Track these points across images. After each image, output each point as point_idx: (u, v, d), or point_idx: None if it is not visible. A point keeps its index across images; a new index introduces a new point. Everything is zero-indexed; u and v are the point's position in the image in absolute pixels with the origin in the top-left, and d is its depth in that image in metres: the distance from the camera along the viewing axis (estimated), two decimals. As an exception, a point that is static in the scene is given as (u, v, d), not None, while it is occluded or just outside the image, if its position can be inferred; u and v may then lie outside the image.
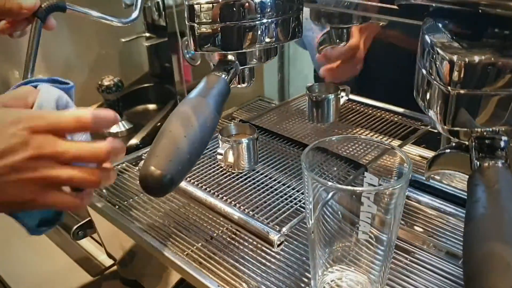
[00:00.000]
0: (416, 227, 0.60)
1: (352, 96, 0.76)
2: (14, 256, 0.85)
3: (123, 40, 0.97)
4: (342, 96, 0.73)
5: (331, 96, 0.70)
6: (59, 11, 0.59)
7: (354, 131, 0.71)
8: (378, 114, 0.75)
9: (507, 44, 0.34)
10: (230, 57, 0.52)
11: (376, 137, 0.69)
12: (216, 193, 0.59)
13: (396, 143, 0.67)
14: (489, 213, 0.29)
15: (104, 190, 0.70)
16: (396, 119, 0.73)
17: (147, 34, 0.98)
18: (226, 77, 0.49)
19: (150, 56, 1.06)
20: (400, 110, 0.73)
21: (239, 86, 0.56)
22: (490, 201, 0.30)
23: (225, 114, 0.89)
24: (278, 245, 0.50)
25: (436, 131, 0.60)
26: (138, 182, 0.41)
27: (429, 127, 0.68)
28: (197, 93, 0.46)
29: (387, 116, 0.74)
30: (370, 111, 0.75)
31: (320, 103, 0.70)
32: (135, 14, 0.65)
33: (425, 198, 0.61)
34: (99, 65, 1.10)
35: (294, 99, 0.82)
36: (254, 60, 0.53)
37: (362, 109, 0.76)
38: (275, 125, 0.74)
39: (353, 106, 0.77)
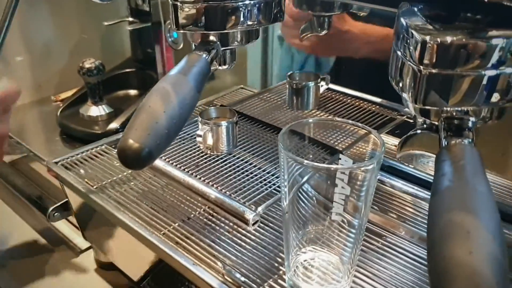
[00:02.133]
0: (389, 212, 0.61)
1: (331, 85, 0.78)
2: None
3: (105, 23, 0.97)
4: (322, 85, 0.74)
5: (311, 84, 0.71)
6: None
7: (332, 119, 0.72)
8: (357, 103, 0.76)
9: (479, 27, 0.36)
10: (212, 37, 0.52)
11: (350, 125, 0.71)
12: (194, 174, 0.59)
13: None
14: (453, 186, 0.31)
15: (82, 171, 0.70)
16: (373, 108, 0.74)
17: (130, 19, 0.97)
18: (207, 57, 0.50)
19: (133, 41, 1.06)
20: (378, 100, 0.75)
21: (220, 68, 0.57)
22: (455, 175, 0.32)
23: (206, 101, 0.89)
24: (253, 224, 0.51)
25: (412, 121, 0.62)
26: (117, 155, 0.42)
27: (405, 117, 0.70)
28: (177, 71, 0.47)
29: (365, 106, 0.75)
30: (349, 100, 0.77)
31: (300, 90, 0.71)
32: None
33: (399, 184, 0.62)
34: (80, 48, 1.10)
35: (275, 86, 0.83)
36: (236, 42, 0.54)
37: (341, 98, 0.78)
38: (255, 111, 0.75)
39: (332, 95, 0.78)
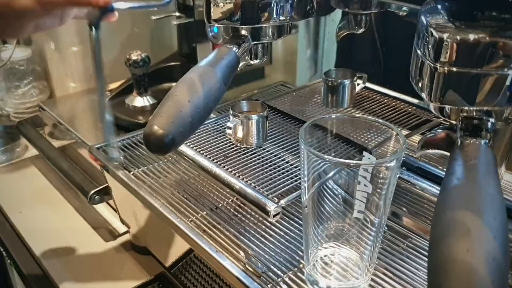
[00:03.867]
0: (417, 214, 0.60)
1: (369, 85, 0.77)
2: (35, 216, 0.90)
3: (153, 17, 1.00)
4: (358, 84, 0.74)
5: (347, 82, 0.71)
6: (108, 14, 0.62)
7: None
8: (393, 103, 0.75)
9: (502, 26, 0.35)
10: (243, 32, 0.54)
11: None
12: (222, 164, 0.61)
13: (405, 132, 0.67)
14: (460, 184, 0.30)
15: (121, 157, 0.73)
16: (410, 109, 0.73)
17: (177, 14, 1.01)
18: (236, 50, 0.51)
19: (180, 35, 1.09)
20: (415, 101, 0.73)
21: (252, 62, 0.58)
22: (464, 174, 0.31)
23: (245, 96, 0.91)
24: (274, 216, 0.52)
25: (447, 123, 0.61)
26: (142, 139, 0.44)
27: (441, 119, 0.68)
28: (206, 62, 0.48)
29: (401, 106, 0.74)
30: (385, 100, 0.76)
31: (335, 88, 0.72)
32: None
33: (429, 186, 0.61)
34: (131, 42, 1.14)
35: (312, 84, 0.83)
36: (267, 36, 0.55)
37: (377, 97, 0.77)
38: (289, 106, 0.76)
39: (369, 94, 0.78)
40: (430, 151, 0.45)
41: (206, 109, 0.46)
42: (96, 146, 0.75)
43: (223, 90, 0.48)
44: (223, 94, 0.48)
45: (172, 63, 1.09)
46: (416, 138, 0.70)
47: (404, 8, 0.67)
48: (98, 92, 0.65)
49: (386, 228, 0.59)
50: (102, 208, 0.92)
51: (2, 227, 0.89)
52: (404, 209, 0.61)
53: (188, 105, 0.44)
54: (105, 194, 0.81)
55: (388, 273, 0.53)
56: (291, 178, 0.59)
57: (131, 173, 0.70)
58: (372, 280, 0.51)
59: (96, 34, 0.62)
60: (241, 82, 1.04)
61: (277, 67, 1.20)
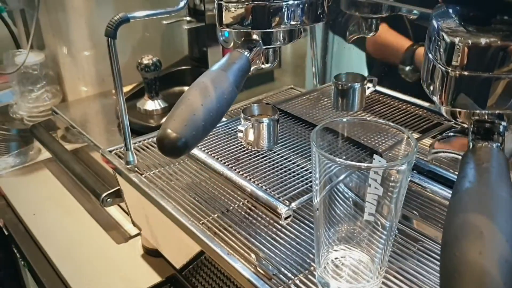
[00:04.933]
0: (428, 218, 0.60)
1: (379, 88, 0.77)
2: (48, 218, 0.91)
3: (164, 22, 1.01)
4: (368, 87, 0.74)
5: (357, 85, 0.71)
6: (124, 24, 0.63)
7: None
8: (404, 107, 0.75)
9: (513, 30, 0.35)
10: (254, 36, 0.54)
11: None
12: (233, 167, 0.61)
13: (416, 135, 0.67)
14: (472, 187, 0.31)
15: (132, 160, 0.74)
16: (421, 112, 0.73)
17: (188, 18, 1.01)
18: (248, 55, 0.52)
19: (190, 40, 1.10)
20: (426, 104, 0.73)
21: (262, 66, 0.58)
22: (476, 177, 0.31)
23: (255, 100, 0.91)
24: (286, 218, 0.52)
25: (459, 126, 0.61)
26: (156, 143, 0.44)
27: (452, 122, 0.68)
28: (218, 67, 0.49)
29: (412, 109, 0.74)
30: (396, 104, 0.76)
31: (345, 91, 0.72)
32: (182, 3, 0.68)
33: (440, 189, 0.61)
34: (142, 46, 1.16)
35: (322, 87, 0.84)
36: (278, 41, 0.56)
37: (388, 101, 0.77)
38: (299, 110, 0.76)
39: (380, 98, 0.78)
40: (442, 154, 0.45)
41: (218, 112, 0.46)
42: (109, 149, 0.76)
43: (235, 94, 0.49)
44: (235, 98, 0.49)
45: (183, 67, 1.10)
46: (427, 141, 0.70)
47: (415, 11, 0.67)
48: (116, 98, 0.66)
49: (397, 231, 0.59)
50: (114, 211, 0.92)
51: (16, 229, 0.91)
52: (415, 212, 0.61)
53: (201, 108, 0.45)
54: (117, 196, 0.81)
55: (399, 276, 0.53)
56: (302, 181, 0.59)
57: (143, 175, 0.70)
58: (383, 283, 0.52)
59: (113, 44, 0.63)
60: (251, 85, 1.04)
61: (286, 70, 1.20)
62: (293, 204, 0.54)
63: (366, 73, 0.83)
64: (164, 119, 0.94)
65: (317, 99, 0.81)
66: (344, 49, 1.02)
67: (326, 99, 0.81)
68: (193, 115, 0.44)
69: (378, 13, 0.65)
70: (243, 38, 0.54)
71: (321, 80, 0.96)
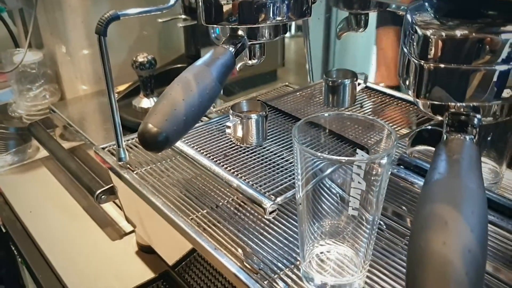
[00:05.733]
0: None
1: (370, 84, 0.77)
2: (44, 215, 0.92)
3: (160, 20, 1.02)
4: (359, 83, 0.74)
5: (347, 82, 0.71)
6: (114, 21, 0.63)
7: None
8: (395, 102, 0.75)
9: (488, 22, 0.35)
10: (240, 32, 0.54)
11: (387, 123, 0.70)
12: (222, 163, 0.62)
13: (405, 131, 0.67)
14: (442, 179, 0.31)
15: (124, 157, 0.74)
16: (411, 108, 0.73)
17: (183, 16, 1.02)
18: (232, 50, 0.52)
19: (186, 38, 1.11)
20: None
21: (249, 62, 0.59)
22: (446, 168, 0.31)
23: (250, 97, 0.91)
24: (270, 213, 0.53)
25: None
26: (137, 138, 0.45)
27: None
28: (202, 62, 0.49)
29: (404, 105, 0.74)
30: (387, 100, 0.76)
31: (335, 88, 0.72)
32: (173, 0, 0.69)
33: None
34: (138, 44, 1.16)
35: (314, 84, 0.84)
36: (263, 36, 0.56)
37: (379, 97, 0.77)
38: (290, 106, 0.76)
39: (371, 94, 0.78)
40: (419, 147, 0.45)
41: (200, 108, 0.46)
42: (102, 146, 0.76)
43: (218, 89, 0.49)
44: (218, 93, 0.49)
45: (179, 65, 1.10)
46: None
47: (403, 7, 0.67)
48: (108, 96, 0.67)
49: (384, 226, 0.59)
50: (109, 208, 0.93)
51: (13, 227, 0.92)
52: (403, 207, 0.61)
53: (183, 103, 0.45)
54: (111, 193, 0.82)
55: (385, 271, 0.53)
56: (289, 176, 0.59)
57: (135, 172, 0.71)
58: (370, 278, 0.52)
59: (103, 41, 0.64)
60: (254, 84, 1.05)
61: (289, 69, 1.21)
62: (279, 199, 0.54)
63: (369, 71, 0.83)
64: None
65: (309, 96, 0.81)
66: (346, 47, 1.02)
67: (318, 96, 0.82)
68: (174, 109, 0.45)
69: (366, 9, 0.65)
70: (228, 34, 0.55)
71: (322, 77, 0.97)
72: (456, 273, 0.26)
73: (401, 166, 0.58)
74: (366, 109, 0.75)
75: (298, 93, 0.84)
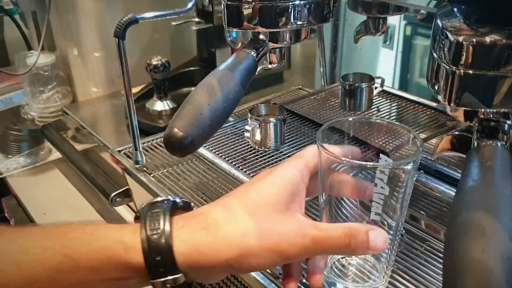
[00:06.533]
0: (435, 217, 0.60)
1: (387, 88, 0.77)
2: (58, 218, 0.92)
3: (173, 23, 1.02)
4: (376, 87, 0.74)
5: (364, 86, 0.71)
6: (133, 25, 0.64)
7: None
8: (411, 106, 0.75)
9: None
10: (261, 36, 0.54)
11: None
12: (240, 167, 0.62)
13: (423, 136, 0.67)
14: (476, 186, 0.31)
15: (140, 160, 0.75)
16: (428, 113, 0.73)
17: (197, 19, 1.02)
18: (254, 54, 0.52)
19: (199, 41, 1.11)
20: (434, 104, 0.73)
21: (269, 66, 0.59)
22: (480, 175, 0.31)
23: (264, 100, 0.92)
24: (292, 217, 0.52)
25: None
26: (163, 142, 0.45)
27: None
28: (225, 66, 0.49)
29: (420, 109, 0.74)
30: (404, 104, 0.76)
31: (352, 91, 0.72)
32: (190, 4, 0.69)
33: (447, 189, 0.61)
34: (151, 47, 1.16)
35: (330, 88, 0.84)
36: (285, 41, 0.56)
37: (395, 101, 0.77)
38: (306, 110, 0.76)
39: (387, 98, 0.78)
40: (447, 153, 0.45)
41: (224, 112, 0.47)
42: (118, 149, 0.76)
43: (242, 93, 0.49)
44: (241, 97, 0.49)
45: (192, 68, 1.10)
46: (434, 141, 0.70)
47: (422, 11, 0.67)
48: (125, 98, 0.67)
49: (404, 231, 0.59)
50: (123, 211, 0.93)
51: (27, 228, 0.92)
52: (422, 212, 0.61)
53: (207, 108, 0.45)
54: (125, 196, 0.82)
55: (406, 276, 0.53)
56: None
57: (151, 175, 0.71)
58: (390, 283, 0.52)
59: (121, 44, 0.64)
60: (260, 86, 1.05)
61: (295, 71, 1.21)
62: (299, 203, 0.54)
63: (375, 74, 0.83)
64: (172, 120, 0.95)
65: (324, 100, 0.81)
66: (354, 50, 1.02)
67: (333, 99, 0.82)
68: (199, 114, 0.45)
69: (385, 13, 0.65)
70: (250, 38, 0.55)
71: (330, 80, 0.97)
72: (496, 281, 0.26)
73: (421, 171, 0.58)
74: (383, 113, 0.75)
75: (312, 97, 0.85)
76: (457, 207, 0.30)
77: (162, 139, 0.44)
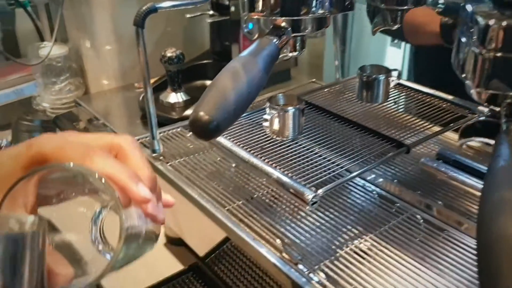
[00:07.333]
0: (453, 207, 0.60)
1: (402, 81, 0.77)
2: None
3: (188, 15, 1.02)
4: (392, 79, 0.74)
5: (381, 77, 0.72)
6: (152, 14, 0.64)
7: (400, 113, 0.73)
8: (427, 99, 0.75)
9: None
10: (283, 24, 0.55)
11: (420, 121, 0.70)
12: (259, 155, 0.62)
13: (437, 128, 0.68)
14: (507, 165, 0.31)
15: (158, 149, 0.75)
16: (445, 105, 0.73)
17: (211, 12, 1.02)
18: (277, 42, 0.52)
19: (212, 34, 1.11)
20: (450, 97, 0.74)
21: (290, 54, 0.59)
22: (510, 155, 0.32)
23: (277, 93, 0.92)
24: (312, 204, 0.53)
25: (483, 117, 0.61)
26: (188, 125, 0.45)
27: (476, 116, 0.68)
28: (248, 53, 0.50)
29: (436, 102, 0.74)
30: (420, 96, 0.76)
31: (370, 83, 0.72)
32: (206, -6, 0.69)
33: (466, 179, 0.61)
34: (164, 40, 1.17)
35: (345, 80, 0.84)
36: (306, 29, 0.56)
37: (411, 93, 0.77)
38: (323, 101, 0.77)
39: (403, 90, 0.78)
40: (473, 139, 0.45)
41: (249, 97, 0.47)
42: (136, 138, 0.77)
43: (265, 79, 0.49)
44: (264, 83, 0.49)
45: (205, 61, 1.11)
46: (450, 134, 0.70)
47: (440, 4, 0.67)
48: (144, 88, 0.68)
49: (421, 220, 0.59)
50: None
51: (40, 217, 0.92)
52: (440, 202, 0.61)
53: (232, 93, 0.45)
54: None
55: (426, 264, 0.53)
56: (325, 171, 0.59)
57: (169, 164, 0.71)
58: (411, 271, 0.52)
59: (141, 33, 0.65)
60: (268, 83, 1.05)
61: (302, 69, 1.21)
62: (320, 191, 0.54)
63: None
64: (188, 110, 0.96)
65: (339, 92, 0.82)
66: (362, 44, 1.02)
67: (348, 92, 0.82)
68: (224, 99, 0.45)
69: (404, 5, 0.65)
70: (272, 26, 0.55)
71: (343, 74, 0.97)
72: (532, 257, 0.26)
73: (440, 161, 0.58)
74: (399, 106, 0.75)
75: (326, 89, 0.85)
76: (489, 187, 0.31)
77: (188, 122, 0.45)
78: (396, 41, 1.23)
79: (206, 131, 0.44)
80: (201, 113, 0.44)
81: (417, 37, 0.77)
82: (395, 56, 1.22)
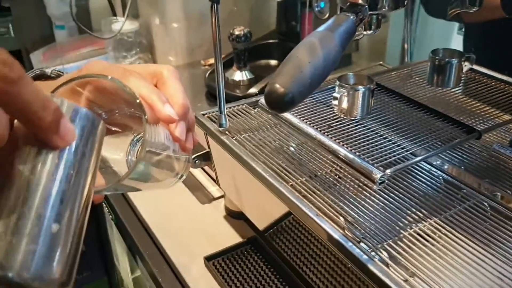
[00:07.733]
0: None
1: (476, 67, 0.75)
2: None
3: (256, -6, 1.03)
4: (465, 65, 0.72)
5: (454, 61, 0.70)
6: None
7: (472, 99, 0.71)
8: (501, 86, 0.73)
9: None
10: (360, 1, 0.55)
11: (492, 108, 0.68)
12: (326, 133, 0.63)
13: (509, 116, 0.66)
14: None
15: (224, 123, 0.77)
16: (520, 93, 0.71)
17: (280, -9, 1.03)
18: (354, 18, 0.52)
19: (279, 14, 1.12)
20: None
21: (364, 33, 0.59)
22: None
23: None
24: (380, 184, 0.53)
25: None
26: (264, 97, 0.46)
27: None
28: (325, 28, 0.50)
29: (510, 89, 0.72)
30: (493, 83, 0.74)
31: (442, 67, 0.71)
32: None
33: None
34: (231, 19, 1.18)
35: (415, 64, 0.83)
36: (383, 7, 0.56)
37: (484, 80, 0.75)
38: (393, 84, 0.76)
39: (476, 76, 0.76)
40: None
41: (324, 71, 0.47)
42: (202, 112, 0.79)
43: (340, 54, 0.50)
44: (339, 58, 0.50)
45: (271, 41, 1.12)
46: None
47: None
48: (215, 62, 0.69)
49: (488, 208, 0.58)
50: (198, 174, 0.97)
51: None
52: (509, 191, 0.59)
53: (308, 66, 0.46)
54: (205, 159, 0.85)
55: (493, 252, 0.52)
56: (392, 152, 0.59)
57: (234, 138, 0.73)
58: (476, 256, 0.51)
59: (216, 8, 0.66)
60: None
61: (363, 54, 1.19)
62: (388, 171, 0.54)
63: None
64: (252, 89, 0.97)
65: (408, 75, 0.80)
66: (427, 30, 0.99)
67: (416, 76, 0.80)
68: (300, 72, 0.46)
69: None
70: (348, 3, 0.55)
71: (402, 59, 0.95)
72: None
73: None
74: (471, 91, 0.73)
75: (394, 72, 0.84)
76: None
77: (264, 95, 0.46)
78: (463, 29, 1.19)
79: (281, 103, 0.45)
80: (277, 85, 0.45)
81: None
82: (461, 45, 1.19)
